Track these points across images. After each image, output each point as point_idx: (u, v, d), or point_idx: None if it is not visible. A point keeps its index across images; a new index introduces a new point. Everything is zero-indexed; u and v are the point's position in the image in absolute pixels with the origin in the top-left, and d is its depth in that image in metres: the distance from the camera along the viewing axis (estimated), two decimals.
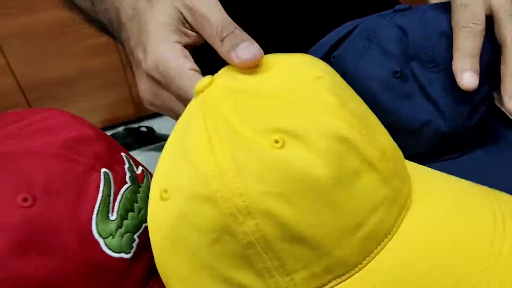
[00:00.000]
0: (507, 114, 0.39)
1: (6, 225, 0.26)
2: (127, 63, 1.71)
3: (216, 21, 0.35)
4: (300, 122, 0.28)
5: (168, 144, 0.33)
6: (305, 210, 0.27)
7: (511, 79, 0.38)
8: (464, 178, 0.38)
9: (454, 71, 0.39)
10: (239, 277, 0.29)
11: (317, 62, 0.34)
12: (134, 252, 0.31)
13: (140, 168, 0.35)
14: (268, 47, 0.35)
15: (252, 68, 0.32)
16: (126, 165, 0.34)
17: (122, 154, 0.34)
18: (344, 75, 0.43)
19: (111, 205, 0.31)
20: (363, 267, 0.29)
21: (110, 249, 0.30)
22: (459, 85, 0.39)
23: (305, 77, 0.32)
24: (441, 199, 0.33)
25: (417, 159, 0.42)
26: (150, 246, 0.31)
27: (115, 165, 0.33)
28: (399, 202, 0.30)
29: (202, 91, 0.32)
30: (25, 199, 0.27)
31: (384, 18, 0.44)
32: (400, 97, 0.42)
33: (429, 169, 0.37)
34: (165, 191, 0.30)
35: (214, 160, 0.28)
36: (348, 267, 0.29)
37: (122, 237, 0.31)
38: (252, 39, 0.34)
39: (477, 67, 0.39)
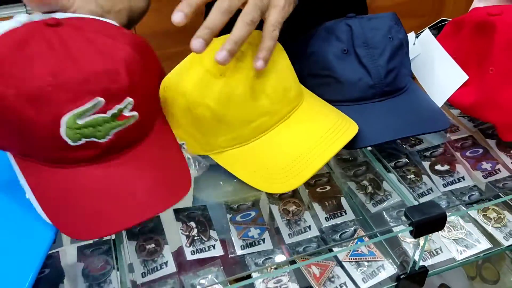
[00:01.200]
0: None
1: None
2: None
3: None
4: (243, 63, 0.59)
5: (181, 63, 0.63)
6: (227, 107, 0.58)
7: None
8: (386, 113, 0.67)
9: None
10: (193, 131, 0.61)
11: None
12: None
13: (134, 113, 0.57)
14: None
15: None
16: (119, 106, 0.56)
17: (128, 99, 0.56)
18: (313, 53, 0.71)
19: (84, 116, 0.54)
20: (254, 141, 0.61)
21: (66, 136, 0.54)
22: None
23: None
24: (308, 114, 0.64)
25: (357, 101, 0.70)
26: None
27: (111, 101, 0.55)
28: (278, 116, 0.61)
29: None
30: None
31: (339, 20, 0.73)
32: (346, 64, 0.70)
33: (318, 98, 0.69)
34: (164, 88, 0.61)
35: (190, 80, 0.59)
36: (247, 140, 0.61)
37: (75, 134, 0.54)
38: None
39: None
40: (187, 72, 0.60)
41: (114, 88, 0.55)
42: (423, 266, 0.65)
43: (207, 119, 0.59)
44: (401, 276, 0.64)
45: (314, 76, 0.72)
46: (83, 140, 0.55)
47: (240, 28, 0.55)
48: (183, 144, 0.63)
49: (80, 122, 0.54)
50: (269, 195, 0.76)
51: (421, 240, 0.61)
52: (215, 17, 0.55)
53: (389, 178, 0.74)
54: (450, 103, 0.73)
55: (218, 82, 0.58)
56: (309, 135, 0.61)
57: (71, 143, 0.55)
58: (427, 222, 0.58)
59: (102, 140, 0.56)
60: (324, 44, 0.71)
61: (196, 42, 0.54)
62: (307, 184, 0.76)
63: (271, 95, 0.60)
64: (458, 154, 0.81)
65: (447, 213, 0.58)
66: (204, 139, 0.62)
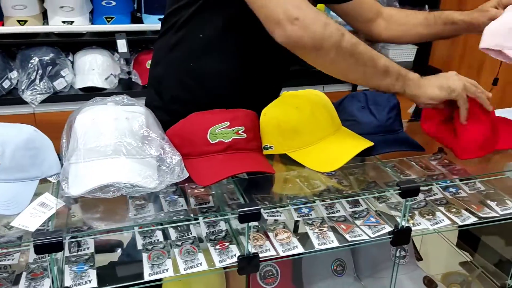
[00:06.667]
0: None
1: None
2: None
3: None
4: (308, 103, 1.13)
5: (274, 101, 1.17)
6: (300, 125, 1.11)
7: None
8: (387, 143, 1.17)
9: None
10: (278, 138, 1.13)
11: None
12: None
13: (244, 134, 1.15)
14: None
15: None
16: (237, 128, 1.14)
17: (242, 127, 1.15)
18: (344, 107, 1.24)
19: (219, 128, 1.09)
20: (314, 145, 1.11)
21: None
22: None
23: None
24: (344, 134, 1.15)
25: (369, 134, 1.21)
26: None
27: (234, 125, 1.13)
28: (327, 132, 1.14)
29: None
30: None
31: (359, 91, 1.26)
32: (363, 114, 1.21)
33: (349, 131, 1.18)
34: (264, 114, 1.14)
35: (280, 110, 1.15)
36: (309, 144, 1.12)
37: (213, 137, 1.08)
38: None
39: None
40: (278, 105, 1.12)
41: (235, 119, 1.09)
42: (407, 226, 1.09)
43: (288, 131, 1.09)
44: (394, 230, 1.08)
45: (345, 120, 1.22)
46: (217, 140, 1.06)
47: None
48: (272, 146, 1.11)
49: (217, 131, 1.05)
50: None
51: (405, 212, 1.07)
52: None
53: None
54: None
55: (295, 111, 1.10)
56: (343, 143, 1.10)
57: (211, 142, 1.06)
58: (410, 189, 1.04)
59: (226, 141, 1.07)
60: (350, 103, 1.24)
61: None
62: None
63: (324, 120, 1.11)
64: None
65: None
66: (284, 142, 1.11)
